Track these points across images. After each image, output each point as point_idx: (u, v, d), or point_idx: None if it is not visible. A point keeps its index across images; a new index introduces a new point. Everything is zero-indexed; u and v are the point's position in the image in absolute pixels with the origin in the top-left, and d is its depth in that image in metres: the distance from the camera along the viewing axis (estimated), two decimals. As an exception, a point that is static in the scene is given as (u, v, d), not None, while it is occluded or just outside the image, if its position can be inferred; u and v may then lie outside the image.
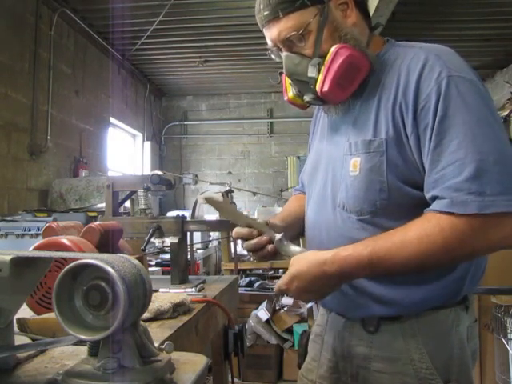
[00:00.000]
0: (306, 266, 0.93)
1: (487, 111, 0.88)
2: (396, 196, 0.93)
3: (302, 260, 0.95)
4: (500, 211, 0.81)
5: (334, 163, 1.05)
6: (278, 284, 0.97)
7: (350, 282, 1.00)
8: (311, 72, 1.00)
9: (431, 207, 0.88)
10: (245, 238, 1.07)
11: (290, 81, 1.10)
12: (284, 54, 1.03)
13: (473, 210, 0.82)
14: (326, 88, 0.98)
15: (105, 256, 0.64)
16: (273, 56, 1.09)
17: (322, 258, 0.92)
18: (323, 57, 0.99)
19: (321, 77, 0.99)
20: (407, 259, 0.87)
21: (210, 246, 4.92)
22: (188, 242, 1.85)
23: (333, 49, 0.97)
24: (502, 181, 0.82)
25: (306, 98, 1.06)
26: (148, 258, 3.33)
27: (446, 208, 0.84)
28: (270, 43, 1.06)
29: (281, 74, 1.12)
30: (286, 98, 1.14)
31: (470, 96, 0.88)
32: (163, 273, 3.18)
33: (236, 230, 1.09)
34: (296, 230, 1.20)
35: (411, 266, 0.88)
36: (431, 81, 0.90)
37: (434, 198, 0.87)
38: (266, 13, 1.01)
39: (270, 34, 1.03)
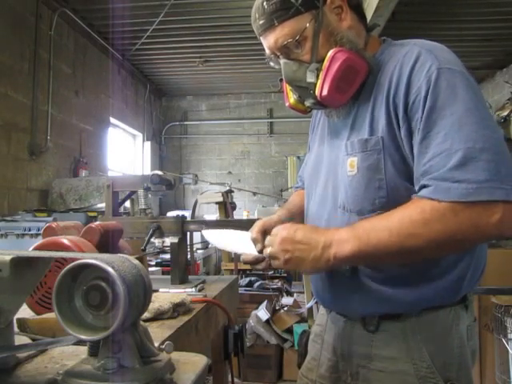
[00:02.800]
0: (296, 226, 0.97)
1: (476, 101, 0.88)
2: (394, 193, 0.94)
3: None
4: (484, 199, 0.81)
5: (334, 165, 1.05)
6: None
7: (350, 280, 1.00)
8: (310, 77, 1.00)
9: (418, 193, 0.88)
10: (254, 263, 1.09)
11: (290, 87, 1.10)
12: (282, 61, 1.04)
13: (453, 197, 0.82)
14: (325, 92, 0.99)
15: (105, 256, 0.64)
16: (272, 63, 1.10)
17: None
18: (321, 62, 0.99)
19: (319, 82, 0.99)
20: (389, 235, 0.86)
21: (209, 245, 4.92)
22: (188, 242, 1.85)
23: (330, 53, 0.98)
24: (489, 168, 0.81)
25: (307, 103, 1.06)
26: (148, 258, 3.33)
27: (428, 194, 0.85)
28: (267, 51, 1.06)
29: (281, 80, 1.13)
30: (287, 104, 1.15)
31: (459, 87, 0.88)
32: (163, 273, 3.18)
33: (244, 258, 1.11)
34: (302, 220, 1.22)
35: (393, 243, 0.86)
36: (422, 74, 0.91)
37: (422, 188, 0.88)
38: (261, 22, 1.02)
39: (267, 42, 1.04)
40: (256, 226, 1.08)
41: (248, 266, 3.82)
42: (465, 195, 0.81)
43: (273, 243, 0.96)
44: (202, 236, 4.26)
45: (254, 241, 1.05)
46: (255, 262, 1.08)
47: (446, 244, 0.86)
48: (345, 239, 0.90)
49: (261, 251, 1.04)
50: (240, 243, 1.12)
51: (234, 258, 3.19)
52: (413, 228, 0.85)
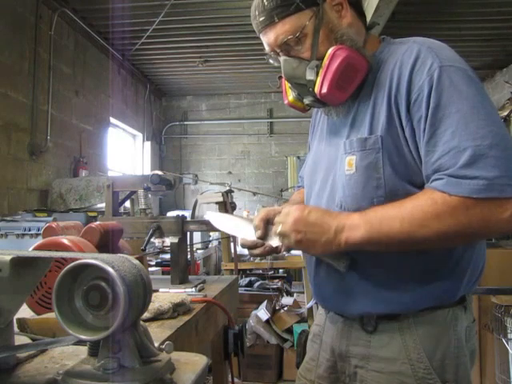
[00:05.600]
0: (308, 208, 0.96)
1: (480, 97, 0.88)
2: (393, 193, 0.94)
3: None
4: (495, 196, 0.81)
5: (333, 164, 1.05)
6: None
7: (348, 279, 1.00)
8: (309, 75, 1.00)
9: (429, 184, 0.89)
10: (251, 247, 1.09)
11: (289, 84, 1.10)
12: (282, 58, 1.04)
13: (464, 192, 0.82)
14: (324, 90, 0.99)
15: (105, 256, 0.64)
16: (271, 61, 1.10)
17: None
18: (321, 59, 0.99)
19: (319, 79, 0.99)
20: (400, 224, 0.87)
21: (209, 245, 4.92)
22: (188, 242, 1.85)
23: (330, 51, 0.98)
24: (498, 164, 0.82)
25: (306, 100, 1.06)
26: (148, 258, 3.33)
27: (440, 186, 0.85)
28: (267, 48, 1.06)
29: (280, 77, 1.13)
30: (286, 102, 1.15)
31: (463, 84, 0.89)
32: (163, 273, 3.18)
33: (242, 241, 1.11)
34: None
35: (404, 232, 0.87)
36: (423, 73, 0.91)
37: (433, 181, 0.88)
38: (261, 18, 1.01)
39: (267, 39, 1.04)
40: (259, 214, 1.08)
41: (248, 266, 3.82)
42: (476, 191, 0.82)
43: (284, 222, 0.95)
44: (202, 236, 4.23)
45: (256, 227, 1.05)
46: (253, 246, 1.08)
47: (456, 237, 0.87)
48: (356, 224, 0.90)
49: (260, 238, 1.04)
50: (241, 228, 1.13)
51: (234, 258, 3.19)
52: (424, 219, 0.85)
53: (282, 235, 0.96)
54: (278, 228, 0.96)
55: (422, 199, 0.87)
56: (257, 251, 1.09)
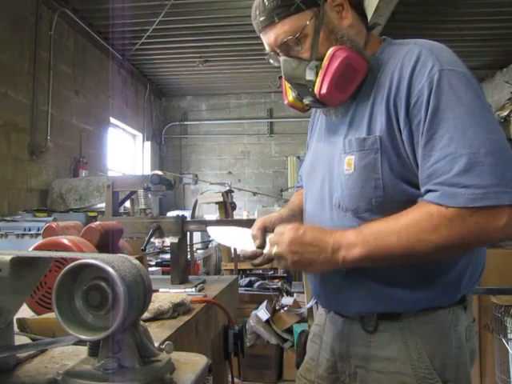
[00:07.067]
0: (303, 228, 0.95)
1: (479, 103, 0.88)
2: (391, 193, 0.94)
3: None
4: (491, 204, 0.81)
5: (331, 163, 1.05)
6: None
7: (348, 278, 1.00)
8: (309, 75, 1.00)
9: (424, 198, 0.88)
10: (252, 258, 1.09)
11: (289, 85, 1.10)
12: (282, 58, 1.04)
13: (460, 203, 0.82)
14: (324, 90, 0.99)
15: (105, 256, 0.64)
16: (271, 61, 1.10)
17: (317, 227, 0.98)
18: (321, 59, 0.99)
19: (319, 79, 0.99)
20: (397, 240, 0.86)
21: (209, 246, 4.92)
22: (188, 242, 1.85)
23: (330, 51, 0.98)
24: (495, 172, 0.81)
25: (306, 101, 1.06)
26: (148, 258, 3.33)
27: (435, 199, 0.85)
28: (267, 48, 1.06)
29: (280, 77, 1.13)
30: (286, 102, 1.15)
31: (462, 89, 0.88)
32: (163, 273, 3.18)
33: (242, 253, 1.12)
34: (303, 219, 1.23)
35: (402, 248, 0.87)
36: (424, 76, 0.90)
37: (427, 192, 0.88)
38: (261, 18, 1.02)
39: (267, 39, 1.04)
40: (256, 224, 1.09)
41: (248, 266, 3.82)
42: (472, 201, 0.81)
43: (280, 243, 0.95)
44: (202, 236, 4.25)
45: (254, 237, 1.07)
46: (253, 256, 1.09)
47: (455, 248, 0.87)
48: (353, 243, 0.90)
49: (259, 247, 1.05)
50: (240, 239, 1.14)
51: (234, 258, 3.20)
52: (422, 233, 0.85)
53: (279, 257, 0.96)
54: (274, 249, 0.96)
55: (416, 213, 0.87)
56: (257, 261, 1.09)
